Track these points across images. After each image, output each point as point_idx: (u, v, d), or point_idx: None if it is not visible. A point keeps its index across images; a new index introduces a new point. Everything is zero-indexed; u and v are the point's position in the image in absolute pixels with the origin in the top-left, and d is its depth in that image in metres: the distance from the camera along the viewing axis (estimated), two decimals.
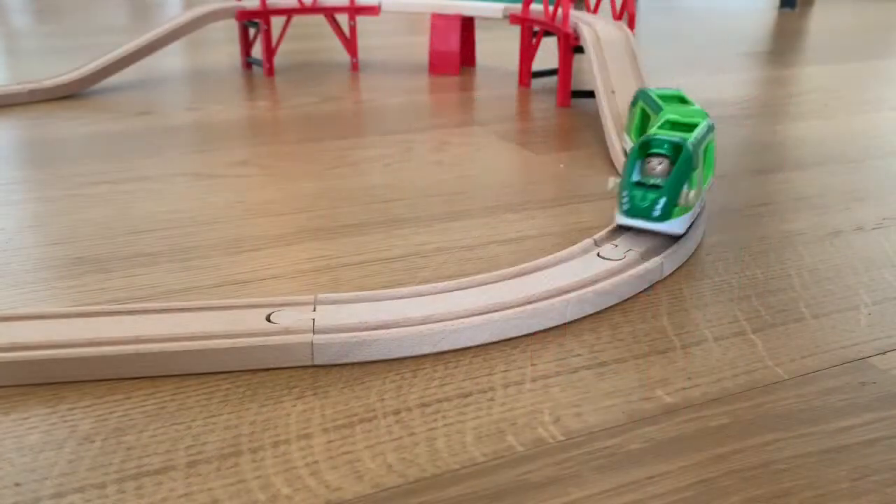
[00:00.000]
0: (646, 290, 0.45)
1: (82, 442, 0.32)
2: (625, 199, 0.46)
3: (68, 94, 0.93)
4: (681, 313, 0.43)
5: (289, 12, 1.07)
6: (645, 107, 0.62)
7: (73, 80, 0.93)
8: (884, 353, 0.39)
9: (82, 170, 0.67)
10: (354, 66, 1.11)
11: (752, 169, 0.68)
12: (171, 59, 1.17)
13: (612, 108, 0.74)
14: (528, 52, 1.00)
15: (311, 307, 0.40)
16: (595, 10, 0.98)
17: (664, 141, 0.47)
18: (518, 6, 1.01)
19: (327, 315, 0.39)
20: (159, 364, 0.36)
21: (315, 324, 0.38)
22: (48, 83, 0.92)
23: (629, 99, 0.75)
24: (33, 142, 0.76)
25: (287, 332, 0.38)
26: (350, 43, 1.11)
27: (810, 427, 0.33)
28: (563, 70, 0.90)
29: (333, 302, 0.41)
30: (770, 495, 0.29)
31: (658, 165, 0.47)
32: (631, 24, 0.94)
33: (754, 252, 0.50)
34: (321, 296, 0.41)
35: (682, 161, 0.46)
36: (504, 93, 0.98)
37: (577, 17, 0.93)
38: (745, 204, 0.59)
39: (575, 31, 0.89)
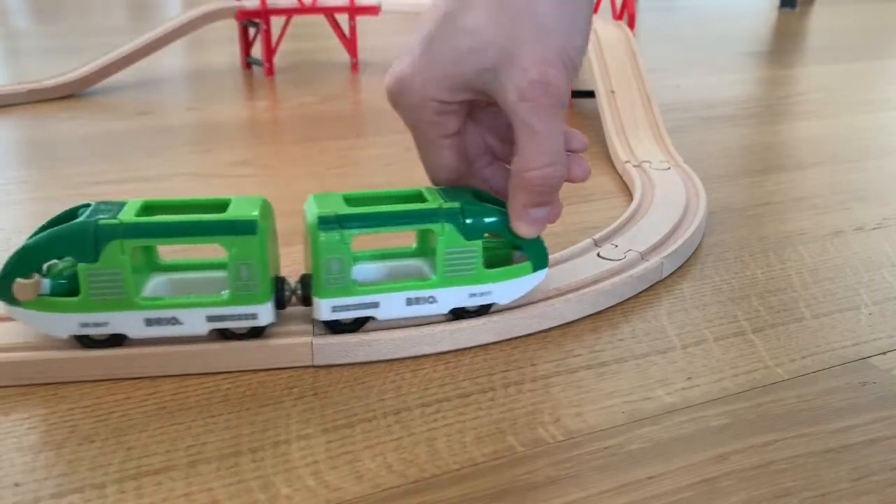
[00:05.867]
0: (646, 290, 0.45)
1: (82, 442, 0.32)
2: None
3: (68, 94, 0.93)
4: (681, 313, 0.43)
5: (289, 12, 1.07)
6: None
7: (73, 80, 0.93)
8: (884, 353, 0.39)
9: (82, 170, 0.67)
10: (354, 67, 1.11)
11: (752, 169, 0.68)
12: (171, 59, 1.17)
13: (612, 108, 0.74)
14: None
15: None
16: (595, 10, 0.98)
17: None
18: None
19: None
20: (159, 364, 0.36)
21: (315, 324, 0.38)
22: (48, 83, 0.92)
23: (629, 99, 0.75)
24: (33, 142, 0.76)
25: (287, 332, 0.38)
26: (350, 43, 1.11)
27: (810, 427, 0.33)
28: None
29: None
30: (770, 495, 0.29)
31: None
32: (631, 24, 0.93)
33: (754, 252, 0.50)
34: None
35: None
36: None
37: None
38: (745, 204, 0.59)
39: None
